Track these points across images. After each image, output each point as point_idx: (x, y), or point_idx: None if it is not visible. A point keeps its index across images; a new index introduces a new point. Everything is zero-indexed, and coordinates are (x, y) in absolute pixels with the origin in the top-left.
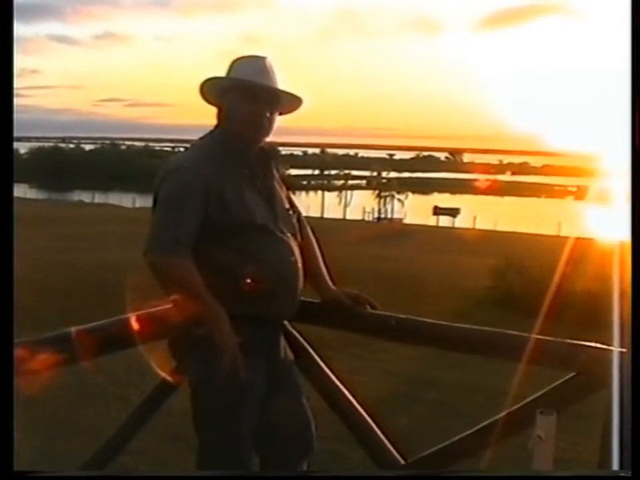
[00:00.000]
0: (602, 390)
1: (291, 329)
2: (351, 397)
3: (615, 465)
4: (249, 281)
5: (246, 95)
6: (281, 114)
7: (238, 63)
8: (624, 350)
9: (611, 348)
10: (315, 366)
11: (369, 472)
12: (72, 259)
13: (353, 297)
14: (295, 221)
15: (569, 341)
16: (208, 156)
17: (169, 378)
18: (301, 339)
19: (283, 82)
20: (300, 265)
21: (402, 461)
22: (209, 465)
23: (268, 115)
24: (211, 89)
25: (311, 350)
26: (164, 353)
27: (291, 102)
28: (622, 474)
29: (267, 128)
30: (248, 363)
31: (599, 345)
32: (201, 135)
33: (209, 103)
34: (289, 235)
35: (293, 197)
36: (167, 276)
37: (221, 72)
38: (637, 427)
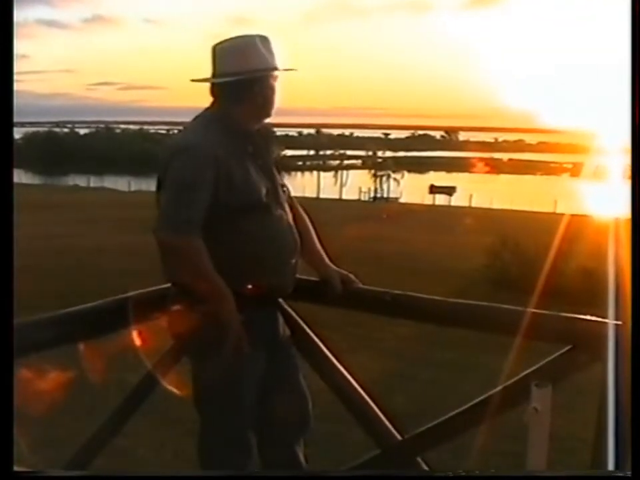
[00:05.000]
0: (597, 363)
1: (287, 308)
2: (348, 376)
3: (611, 445)
4: (254, 258)
5: (256, 79)
6: None
7: (235, 43)
8: (619, 322)
9: (606, 321)
10: (313, 345)
11: (370, 471)
12: (69, 244)
13: (344, 277)
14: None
15: (564, 314)
16: (215, 135)
17: (167, 359)
18: (298, 319)
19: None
20: (298, 241)
21: (399, 438)
22: (210, 442)
23: (275, 89)
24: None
25: (308, 329)
26: (163, 332)
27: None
28: (622, 474)
29: (274, 105)
30: (250, 341)
31: (594, 318)
32: (194, 116)
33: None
34: (287, 212)
35: (287, 177)
36: (177, 255)
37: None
38: (636, 427)
